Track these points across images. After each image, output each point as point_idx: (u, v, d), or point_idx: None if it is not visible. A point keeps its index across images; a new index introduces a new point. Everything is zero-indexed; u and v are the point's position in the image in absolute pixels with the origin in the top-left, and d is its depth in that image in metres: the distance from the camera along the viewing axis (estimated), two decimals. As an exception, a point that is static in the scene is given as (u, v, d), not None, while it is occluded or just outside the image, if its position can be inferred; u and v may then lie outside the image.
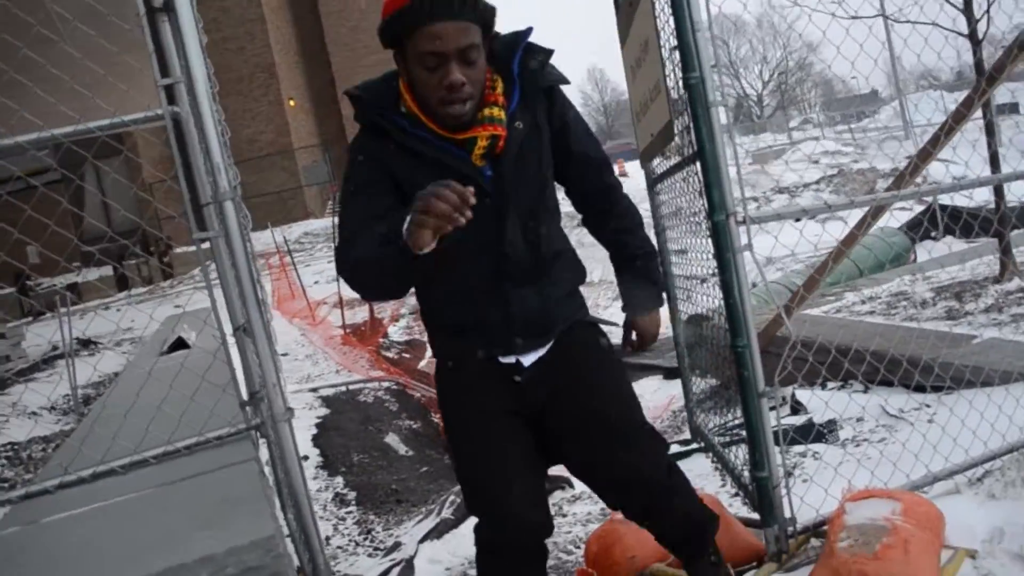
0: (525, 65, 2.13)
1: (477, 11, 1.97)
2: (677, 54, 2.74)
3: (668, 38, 2.86)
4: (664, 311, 2.64)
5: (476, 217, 1.88)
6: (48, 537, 2.13)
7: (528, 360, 2.22)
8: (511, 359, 2.22)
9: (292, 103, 29.78)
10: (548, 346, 2.25)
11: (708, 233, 2.80)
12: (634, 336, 2.41)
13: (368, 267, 1.99)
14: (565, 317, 2.28)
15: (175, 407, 2.87)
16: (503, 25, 2.10)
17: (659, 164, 4.03)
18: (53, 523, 2.24)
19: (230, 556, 1.76)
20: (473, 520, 3.92)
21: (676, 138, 3.06)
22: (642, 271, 2.39)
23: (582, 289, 2.42)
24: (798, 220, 3.06)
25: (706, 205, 2.73)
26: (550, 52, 2.18)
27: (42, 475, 2.68)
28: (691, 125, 2.73)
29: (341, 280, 9.32)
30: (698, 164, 2.75)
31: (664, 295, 2.33)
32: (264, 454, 2.88)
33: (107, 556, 1.89)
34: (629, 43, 3.63)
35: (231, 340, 2.74)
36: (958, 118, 4.78)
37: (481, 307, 2.18)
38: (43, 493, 2.56)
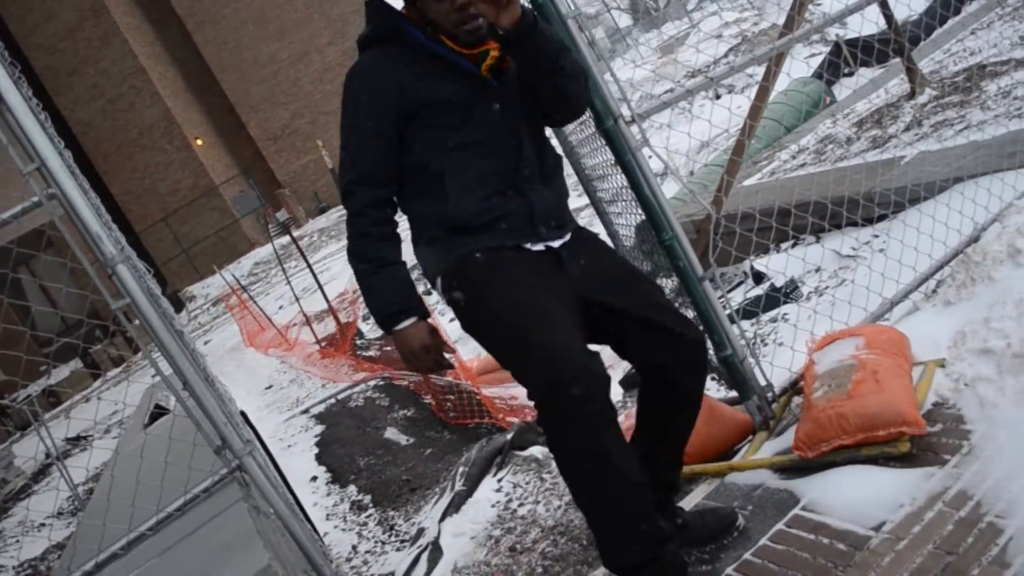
0: None
1: None
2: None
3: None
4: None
5: (487, 123, 2.25)
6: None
7: (556, 243, 2.32)
8: (540, 246, 2.30)
9: (200, 142, 29.33)
10: (568, 236, 2.35)
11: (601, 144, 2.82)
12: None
13: (358, 266, 2.29)
14: (572, 218, 2.41)
15: (156, 475, 2.88)
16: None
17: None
18: (68, 623, 2.25)
19: (233, 599, 1.78)
20: (486, 484, 3.99)
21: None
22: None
23: None
24: (740, 90, 3.07)
25: (593, 117, 2.74)
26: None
27: (50, 581, 2.68)
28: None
29: (302, 300, 9.18)
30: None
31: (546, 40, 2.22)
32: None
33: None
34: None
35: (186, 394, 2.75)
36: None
37: (503, 201, 2.27)
38: (54, 598, 2.57)
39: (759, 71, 7.75)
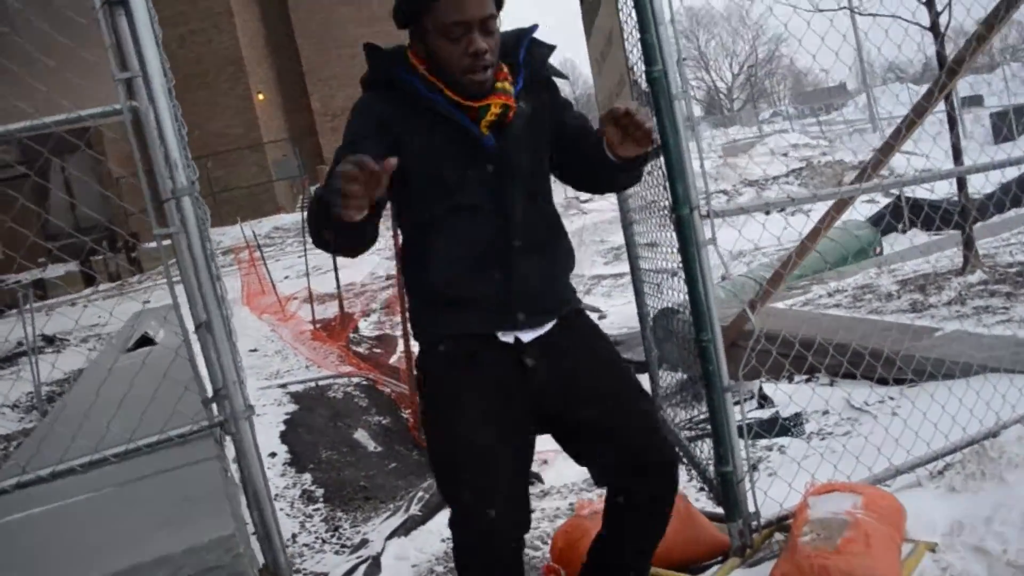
0: (531, 55, 2.20)
1: None
2: (640, 47, 2.73)
3: (631, 31, 2.86)
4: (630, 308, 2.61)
5: (478, 184, 2.09)
6: (3, 539, 2.10)
7: (527, 337, 2.15)
8: (509, 337, 2.15)
9: (261, 97, 29.54)
10: (549, 326, 2.19)
11: (672, 227, 2.81)
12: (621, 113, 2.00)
13: (313, 223, 1.97)
14: (565, 299, 2.27)
15: (137, 405, 2.84)
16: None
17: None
18: (10, 524, 2.21)
19: (188, 556, 1.74)
20: (441, 516, 3.92)
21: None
22: None
23: None
24: (767, 214, 3.06)
25: (670, 199, 2.73)
26: (552, 47, 2.26)
27: (1, 475, 2.63)
28: (655, 119, 2.73)
29: (311, 275, 9.18)
30: (662, 158, 2.75)
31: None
32: (231, 451, 2.86)
33: (63, 558, 1.86)
34: (594, 35, 3.62)
35: (194, 337, 2.72)
36: (919, 111, 4.82)
37: (482, 276, 2.12)
38: (2, 493, 2.53)
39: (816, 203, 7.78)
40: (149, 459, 2.56)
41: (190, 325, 2.62)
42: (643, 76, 2.76)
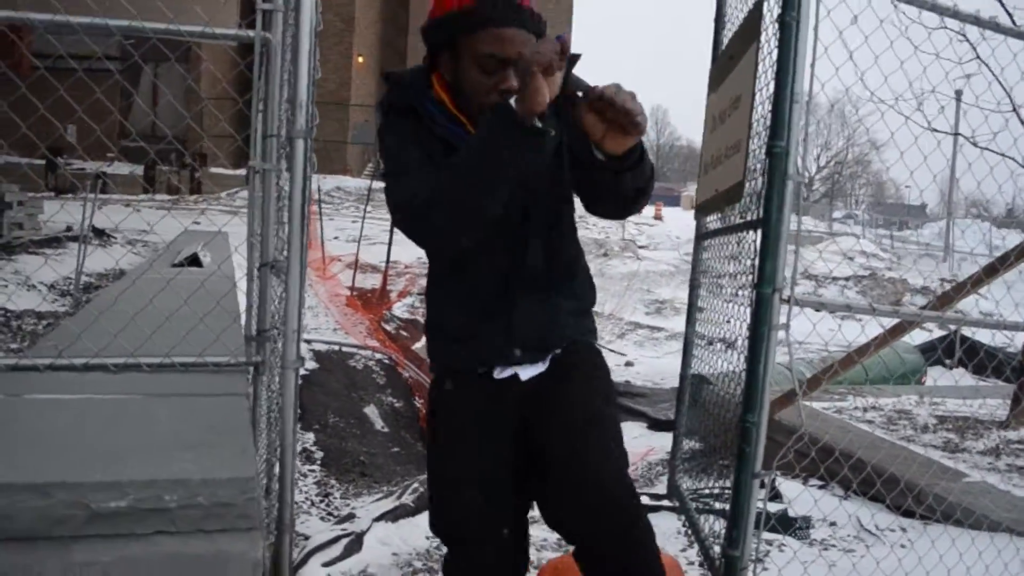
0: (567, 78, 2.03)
1: (540, 25, 1.99)
2: (769, 118, 2.71)
3: (763, 101, 2.84)
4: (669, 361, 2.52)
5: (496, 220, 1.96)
6: (31, 414, 2.11)
7: (526, 374, 2.13)
8: (507, 373, 2.13)
9: (361, 60, 29.84)
10: (547, 362, 2.15)
11: (748, 302, 2.77)
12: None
13: (456, 184, 1.84)
14: (568, 336, 2.17)
15: (180, 322, 2.85)
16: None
17: (712, 220, 4.00)
18: (37, 402, 2.22)
19: (205, 486, 1.73)
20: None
21: (742, 200, 3.02)
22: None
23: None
24: (841, 317, 3.01)
25: (755, 275, 2.69)
26: (575, 58, 2.02)
27: (34, 352, 2.66)
28: (763, 192, 2.70)
29: (362, 241, 9.18)
30: (758, 232, 2.71)
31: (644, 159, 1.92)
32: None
33: (87, 449, 1.86)
34: (719, 94, 3.60)
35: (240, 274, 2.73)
36: (1004, 261, 4.75)
37: (485, 313, 2.09)
38: (32, 369, 2.55)
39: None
40: (181, 378, 2.57)
41: (241, 263, 2.63)
42: (763, 148, 2.73)
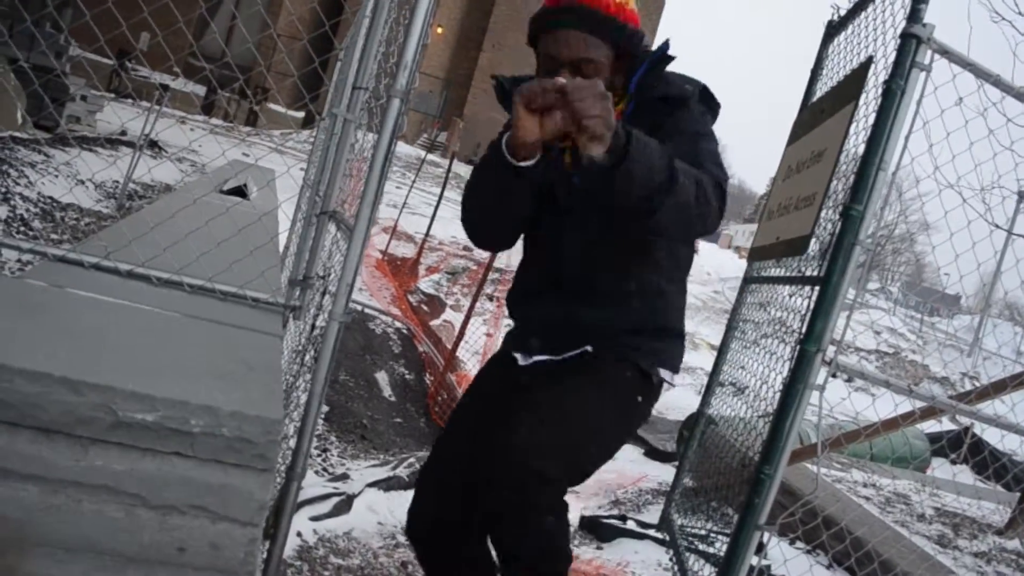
0: (643, 82, 2.09)
1: (609, 29, 1.98)
2: (850, 179, 2.68)
3: (848, 161, 2.81)
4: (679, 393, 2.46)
5: (552, 217, 2.13)
6: (71, 307, 2.12)
7: (524, 360, 2.22)
8: (525, 360, 2.22)
9: (440, 31, 29.89)
10: (555, 359, 2.18)
11: (788, 355, 2.75)
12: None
13: (471, 190, 2.06)
14: (599, 344, 2.12)
15: (230, 251, 2.86)
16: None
17: (765, 266, 3.97)
18: (79, 297, 2.22)
19: (232, 418, 1.73)
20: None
21: (804, 254, 3.00)
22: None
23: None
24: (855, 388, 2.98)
25: (803, 330, 2.67)
26: (667, 60, 2.06)
27: (82, 247, 2.66)
28: (829, 251, 2.67)
29: (403, 210, 9.25)
30: (815, 289, 2.69)
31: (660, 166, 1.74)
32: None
33: (121, 355, 1.86)
34: (800, 144, 3.57)
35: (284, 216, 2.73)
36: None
37: (522, 302, 2.29)
38: (77, 264, 2.56)
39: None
40: (219, 305, 2.58)
41: (286, 207, 2.63)
42: (837, 207, 2.71)
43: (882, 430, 5.00)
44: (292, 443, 2.49)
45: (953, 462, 10.98)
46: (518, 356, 2.24)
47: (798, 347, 2.66)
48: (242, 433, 1.74)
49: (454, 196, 22.03)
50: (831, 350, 2.63)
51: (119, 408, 1.68)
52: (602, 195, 1.80)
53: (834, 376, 2.68)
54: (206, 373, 1.91)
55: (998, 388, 4.64)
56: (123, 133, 11.34)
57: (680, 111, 2.02)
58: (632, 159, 1.68)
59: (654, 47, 2.08)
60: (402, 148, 26.81)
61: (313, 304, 2.85)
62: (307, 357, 2.79)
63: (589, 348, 2.14)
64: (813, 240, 2.89)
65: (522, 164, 1.85)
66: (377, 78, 2.60)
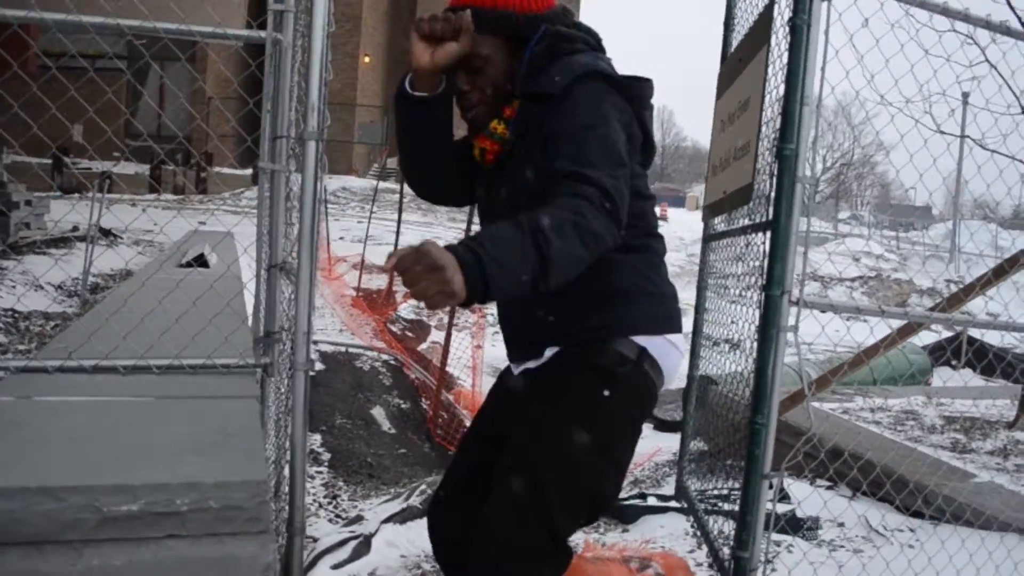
0: (524, 76, 2.00)
1: (485, 21, 1.97)
2: (778, 121, 2.70)
3: (773, 103, 2.83)
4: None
5: (486, 212, 2.15)
6: (41, 416, 2.11)
7: (516, 369, 2.18)
8: (517, 370, 2.18)
9: (367, 60, 29.88)
10: (541, 359, 2.07)
11: (756, 304, 2.77)
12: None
13: (397, 138, 2.11)
14: (561, 334, 2.02)
15: (190, 324, 2.85)
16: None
17: (720, 221, 3.99)
18: (47, 404, 2.22)
19: (217, 489, 1.73)
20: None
21: (750, 202, 3.02)
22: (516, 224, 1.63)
23: None
24: (847, 319, 3.00)
25: (764, 277, 2.69)
26: (544, 59, 1.98)
27: (43, 353, 2.66)
28: (771, 195, 2.70)
29: (368, 242, 9.23)
30: (767, 234, 2.71)
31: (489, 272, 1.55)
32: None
33: (97, 451, 1.86)
34: (727, 96, 3.59)
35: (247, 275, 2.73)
36: (1013, 262, 4.74)
37: (501, 308, 2.20)
38: (41, 371, 2.55)
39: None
40: (190, 380, 2.57)
41: (248, 264, 2.63)
42: (772, 151, 2.73)
43: (865, 357, 5.06)
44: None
45: (957, 369, 11.07)
46: (512, 367, 2.21)
47: (763, 294, 2.68)
48: (230, 501, 1.74)
49: (416, 218, 22.03)
50: (795, 291, 2.65)
51: (103, 504, 1.67)
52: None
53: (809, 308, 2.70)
54: (185, 450, 1.91)
55: (967, 291, 4.70)
56: (75, 229, 11.28)
57: (557, 107, 1.89)
58: (494, 287, 1.55)
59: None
60: (357, 182, 26.80)
61: (285, 358, 2.85)
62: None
63: (555, 349, 2.04)
64: (756, 187, 2.92)
65: (417, 94, 1.99)
66: (297, 124, 2.61)
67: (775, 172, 2.66)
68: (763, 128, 2.89)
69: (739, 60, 3.42)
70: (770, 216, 2.69)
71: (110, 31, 2.35)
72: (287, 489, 2.40)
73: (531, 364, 2.12)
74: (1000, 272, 4.80)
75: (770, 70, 2.91)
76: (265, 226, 2.80)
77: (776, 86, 2.81)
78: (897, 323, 5.19)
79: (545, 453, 1.88)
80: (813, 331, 4.39)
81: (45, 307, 7.04)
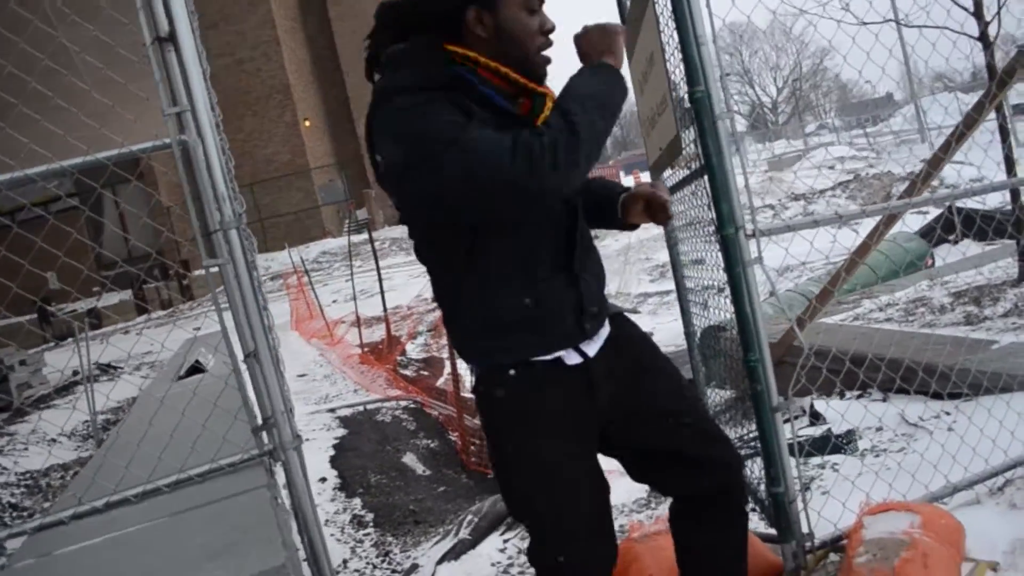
0: None
1: None
2: (683, 67, 2.72)
3: (673, 52, 2.86)
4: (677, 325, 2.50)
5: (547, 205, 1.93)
6: (61, 569, 2.13)
7: (592, 350, 2.04)
8: (575, 358, 2.02)
9: (307, 124, 29.98)
10: (605, 335, 2.09)
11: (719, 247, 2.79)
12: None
13: (594, 120, 1.84)
14: (608, 308, 2.15)
15: (188, 434, 2.88)
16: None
17: (670, 176, 4.01)
18: (67, 555, 2.24)
19: (239, 587, 1.75)
20: (491, 539, 3.90)
21: (684, 151, 3.05)
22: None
23: None
24: (836, 227, 3.02)
25: (715, 218, 2.71)
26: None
27: (57, 506, 2.68)
28: (698, 139, 2.72)
29: (359, 299, 9.17)
30: (706, 177, 2.73)
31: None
32: (281, 477, 2.88)
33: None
34: (636, 57, 3.62)
35: (244, 365, 2.75)
36: (969, 123, 4.74)
37: (550, 291, 1.97)
38: (57, 524, 2.56)
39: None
40: (201, 488, 2.59)
41: (240, 352, 2.65)
42: (686, 96, 2.75)
43: (858, 258, 5.06)
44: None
45: (951, 243, 11.07)
46: (571, 358, 2.02)
47: (719, 236, 2.70)
48: (256, 594, 1.76)
49: (399, 260, 22.07)
50: (749, 225, 2.67)
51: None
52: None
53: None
54: (202, 558, 1.93)
55: (934, 164, 4.71)
56: (75, 373, 11.31)
57: None
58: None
59: None
60: (334, 243, 26.84)
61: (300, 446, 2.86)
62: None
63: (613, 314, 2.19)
64: (683, 135, 2.94)
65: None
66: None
67: (694, 117, 2.68)
68: (671, 78, 2.92)
69: (635, 19, 3.45)
70: (703, 160, 2.71)
71: (54, 175, 2.39)
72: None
73: (595, 344, 2.06)
74: (960, 137, 4.81)
75: (662, 20, 2.93)
76: (230, 320, 2.82)
77: (670, 35, 2.83)
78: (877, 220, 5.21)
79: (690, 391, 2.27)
80: (803, 250, 4.41)
81: (62, 459, 7.08)
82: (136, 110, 3.19)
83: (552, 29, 1.97)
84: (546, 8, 1.99)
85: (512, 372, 1.98)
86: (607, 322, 2.12)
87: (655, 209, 2.12)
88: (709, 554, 2.26)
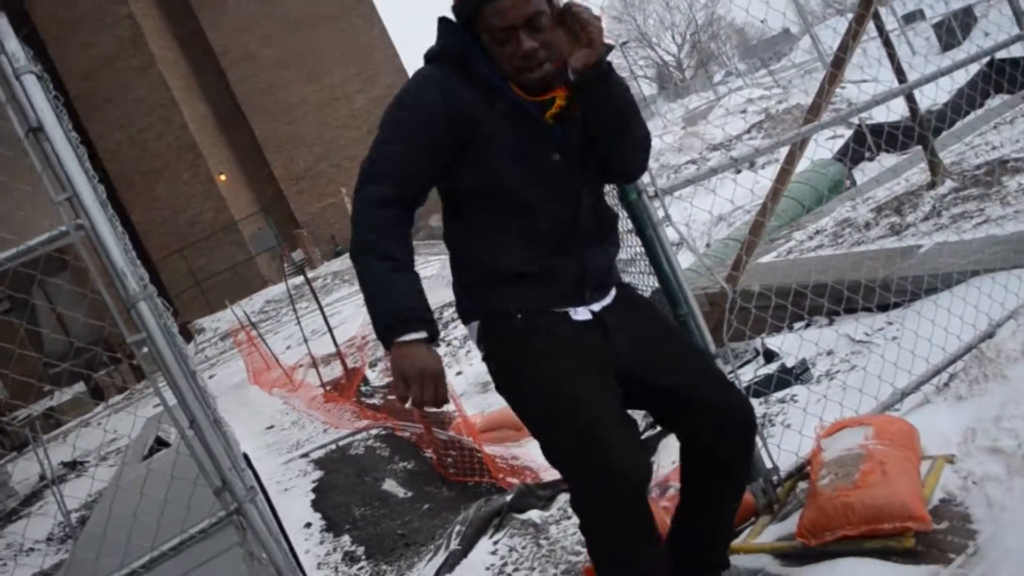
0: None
1: None
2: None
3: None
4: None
5: (548, 174, 2.11)
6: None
7: (598, 307, 2.20)
8: (584, 315, 2.17)
9: (223, 178, 29.65)
10: (611, 297, 2.25)
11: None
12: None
13: (370, 263, 2.00)
14: (617, 279, 2.32)
15: (154, 510, 2.86)
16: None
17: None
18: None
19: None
20: (482, 544, 3.93)
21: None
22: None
23: None
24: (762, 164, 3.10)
25: (616, 187, 2.76)
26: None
27: (36, 611, 2.66)
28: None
29: (311, 342, 9.15)
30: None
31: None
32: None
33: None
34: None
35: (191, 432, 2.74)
36: (853, 35, 4.88)
37: (556, 258, 2.13)
38: (40, 629, 2.55)
39: (781, 149, 7.83)
40: (176, 561, 2.58)
41: (184, 421, 2.64)
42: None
43: (780, 186, 5.16)
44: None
45: (871, 158, 11.32)
46: (578, 314, 2.18)
47: (624, 203, 2.75)
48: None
49: (344, 292, 21.96)
50: (650, 188, 2.73)
51: None
52: (592, 118, 2.09)
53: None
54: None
55: (832, 80, 4.83)
56: (42, 478, 11.10)
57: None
58: (614, 74, 2.04)
59: None
60: (276, 289, 26.51)
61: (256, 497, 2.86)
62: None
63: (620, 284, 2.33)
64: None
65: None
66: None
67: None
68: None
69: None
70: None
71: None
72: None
73: (600, 303, 2.22)
74: (838, 63, 4.94)
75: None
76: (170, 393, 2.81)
77: None
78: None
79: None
80: (728, 193, 4.48)
81: (41, 565, 6.96)
82: (27, 205, 3.16)
83: (525, 53, 2.01)
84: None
85: (519, 315, 2.13)
86: (612, 287, 2.28)
87: (571, 23, 2.01)
88: (706, 510, 2.32)
